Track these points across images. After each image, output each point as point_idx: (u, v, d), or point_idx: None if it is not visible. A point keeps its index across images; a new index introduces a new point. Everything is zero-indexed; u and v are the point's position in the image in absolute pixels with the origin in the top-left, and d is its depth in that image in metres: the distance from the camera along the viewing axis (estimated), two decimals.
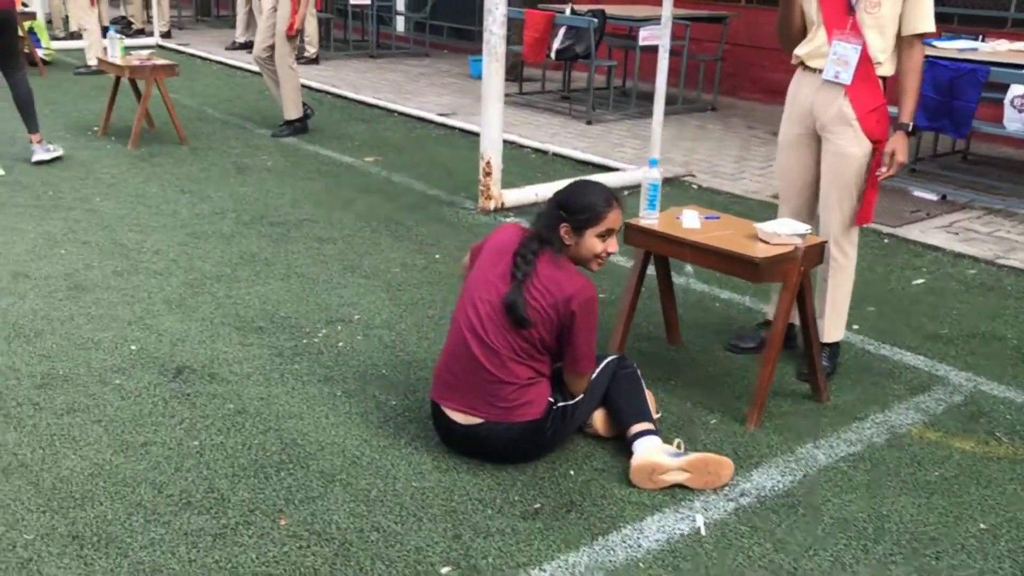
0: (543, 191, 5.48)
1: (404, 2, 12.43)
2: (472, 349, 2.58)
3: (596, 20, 7.47)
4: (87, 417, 2.82)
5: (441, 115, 7.74)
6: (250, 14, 11.03)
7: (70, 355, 3.22)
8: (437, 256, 4.43)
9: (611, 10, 7.88)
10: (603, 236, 2.64)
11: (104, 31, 11.48)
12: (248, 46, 11.11)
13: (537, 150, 6.73)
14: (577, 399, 2.68)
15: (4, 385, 3.00)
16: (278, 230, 4.68)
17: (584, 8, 7.92)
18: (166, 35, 11.53)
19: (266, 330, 3.51)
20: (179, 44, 11.08)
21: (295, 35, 6.45)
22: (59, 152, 5.77)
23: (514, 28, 7.53)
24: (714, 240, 2.95)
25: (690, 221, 3.08)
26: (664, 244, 3.08)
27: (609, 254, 2.68)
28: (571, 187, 2.71)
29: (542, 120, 7.80)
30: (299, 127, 6.81)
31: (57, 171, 5.53)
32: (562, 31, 7.77)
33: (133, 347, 3.30)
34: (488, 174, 5.14)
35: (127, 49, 6.41)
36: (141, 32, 11.61)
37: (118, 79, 6.45)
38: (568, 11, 7.75)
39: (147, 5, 12.32)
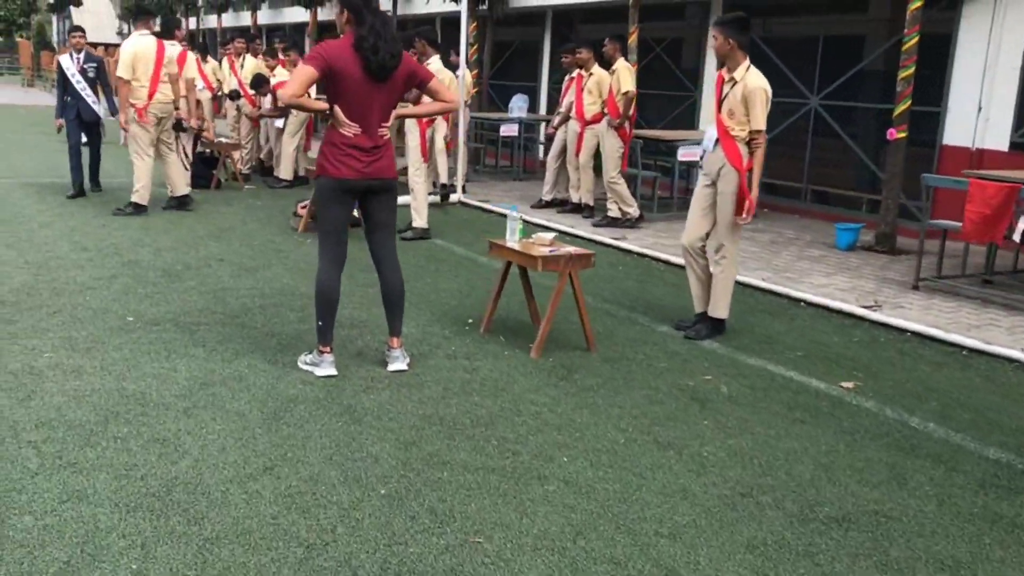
0: None
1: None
2: None
3: None
4: None
5: (864, 307, 6.11)
6: (561, 167, 9.99)
7: None
8: None
9: None
10: None
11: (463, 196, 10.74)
12: (556, 204, 10.05)
13: None
14: None
15: None
16: (856, 538, 3.06)
17: None
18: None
19: None
20: (480, 200, 10.17)
21: (747, 220, 5.05)
22: (408, 362, 4.54)
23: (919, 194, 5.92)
24: None
25: None
26: None
27: None
28: None
29: (1005, 320, 5.96)
30: (718, 328, 5.34)
31: (476, 398, 4.20)
32: None
33: None
34: None
35: (526, 230, 5.22)
36: (434, 186, 10.84)
37: (509, 265, 5.24)
38: None
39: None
